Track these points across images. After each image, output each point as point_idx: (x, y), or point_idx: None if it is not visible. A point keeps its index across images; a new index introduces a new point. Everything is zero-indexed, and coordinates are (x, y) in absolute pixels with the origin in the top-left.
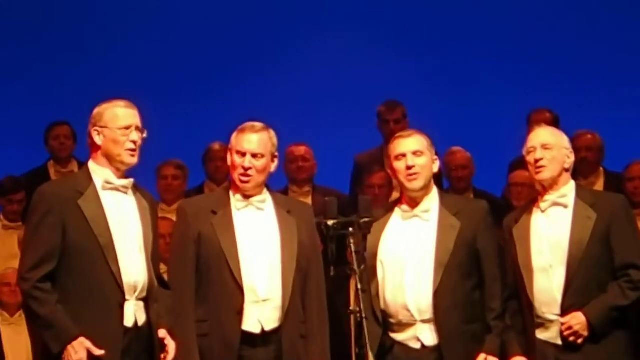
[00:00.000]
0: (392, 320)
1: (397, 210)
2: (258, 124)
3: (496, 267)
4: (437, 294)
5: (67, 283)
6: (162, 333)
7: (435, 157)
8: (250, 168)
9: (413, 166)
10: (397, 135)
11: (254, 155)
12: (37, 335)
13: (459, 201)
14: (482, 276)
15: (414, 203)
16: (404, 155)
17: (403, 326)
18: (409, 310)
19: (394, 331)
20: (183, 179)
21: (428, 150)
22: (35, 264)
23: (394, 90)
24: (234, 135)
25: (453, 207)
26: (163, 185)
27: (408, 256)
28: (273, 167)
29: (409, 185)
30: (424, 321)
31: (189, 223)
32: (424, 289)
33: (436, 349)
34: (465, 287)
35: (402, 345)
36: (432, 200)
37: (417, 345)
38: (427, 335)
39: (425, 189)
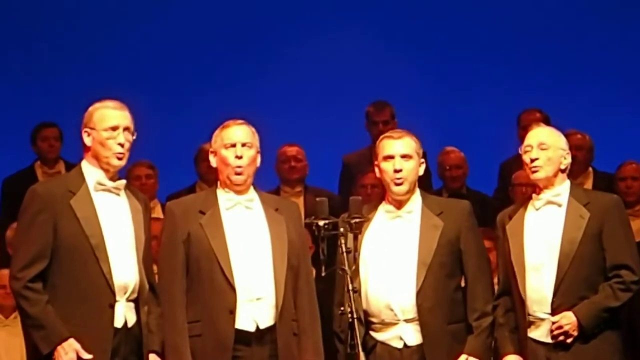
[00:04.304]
0: (374, 320)
1: (380, 209)
2: (239, 120)
3: (479, 267)
4: (420, 294)
5: (57, 283)
6: (152, 358)
7: (422, 159)
8: (242, 157)
9: (400, 170)
10: (387, 134)
11: (244, 145)
12: (28, 335)
13: (442, 202)
14: (465, 276)
15: (397, 204)
16: (392, 157)
17: (386, 325)
18: (392, 310)
19: (376, 330)
20: (156, 178)
21: (416, 153)
22: (27, 264)
23: (384, 90)
24: (217, 134)
25: (436, 208)
26: (137, 186)
27: (391, 256)
28: (258, 162)
29: (394, 189)
30: (407, 321)
31: (177, 224)
32: (407, 288)
33: (419, 348)
34: (448, 287)
35: (385, 345)
36: (416, 201)
37: (400, 345)
38: (410, 335)
39: (410, 192)
